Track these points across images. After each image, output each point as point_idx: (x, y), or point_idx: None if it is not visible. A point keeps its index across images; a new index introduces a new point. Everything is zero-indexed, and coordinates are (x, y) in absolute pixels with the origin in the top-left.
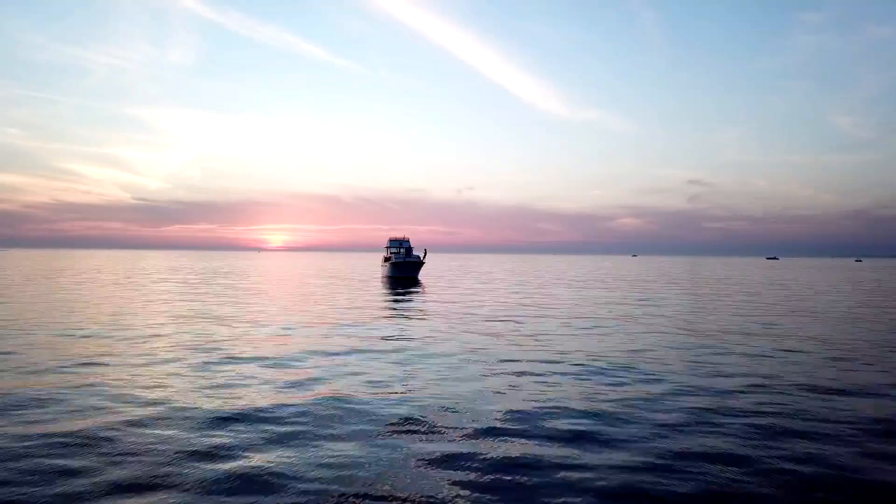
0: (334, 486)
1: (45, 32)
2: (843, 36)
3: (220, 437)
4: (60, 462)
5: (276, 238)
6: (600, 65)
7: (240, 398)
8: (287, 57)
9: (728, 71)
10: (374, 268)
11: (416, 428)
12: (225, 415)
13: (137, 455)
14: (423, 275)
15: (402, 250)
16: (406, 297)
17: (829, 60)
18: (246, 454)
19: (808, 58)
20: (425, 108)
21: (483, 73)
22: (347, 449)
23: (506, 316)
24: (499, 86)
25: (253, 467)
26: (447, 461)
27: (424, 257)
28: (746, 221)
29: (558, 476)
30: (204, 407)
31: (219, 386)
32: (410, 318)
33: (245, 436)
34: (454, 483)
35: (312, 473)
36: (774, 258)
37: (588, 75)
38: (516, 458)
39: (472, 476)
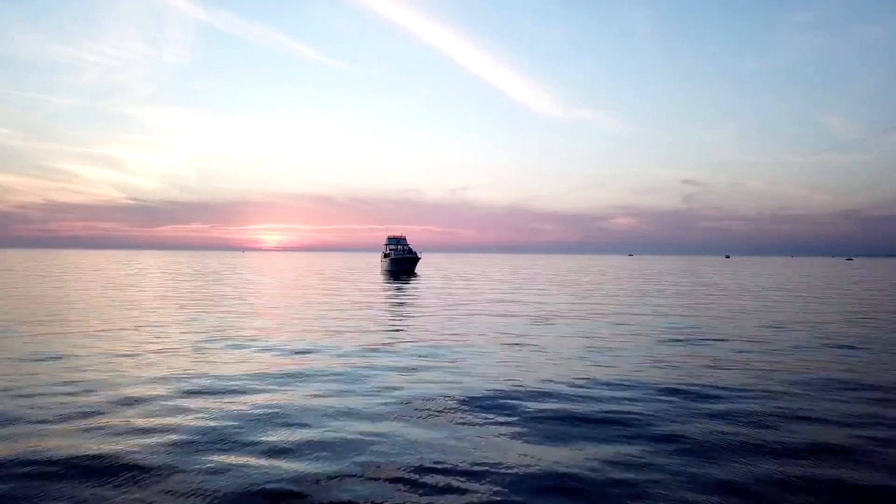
0: None
1: (39, 31)
2: (834, 35)
3: None
4: None
5: (271, 238)
6: (593, 65)
7: None
8: (281, 57)
9: (721, 70)
10: (374, 267)
11: None
12: None
13: None
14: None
15: (399, 247)
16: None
17: (821, 60)
18: None
19: (799, 58)
20: (418, 108)
21: (476, 73)
22: None
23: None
24: (492, 86)
25: None
26: None
27: None
28: (741, 221)
29: None
30: None
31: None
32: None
33: None
34: None
35: None
36: (727, 256)
37: (581, 75)
38: None
39: None
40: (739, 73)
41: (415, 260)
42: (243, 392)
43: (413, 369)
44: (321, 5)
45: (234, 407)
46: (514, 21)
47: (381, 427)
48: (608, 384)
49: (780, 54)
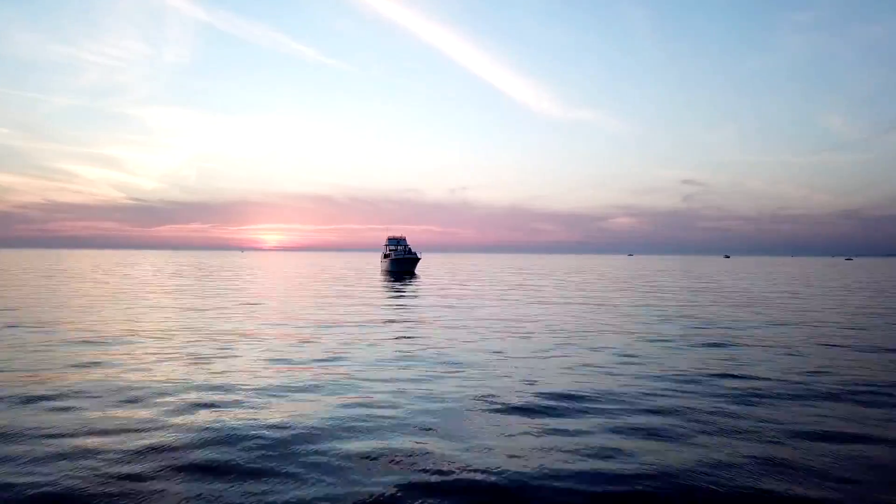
0: None
1: (38, 31)
2: (834, 35)
3: None
4: None
5: (271, 238)
6: (592, 65)
7: None
8: (281, 57)
9: (721, 70)
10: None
11: None
12: None
13: None
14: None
15: (399, 248)
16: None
17: (820, 60)
18: None
19: (799, 57)
20: (418, 108)
21: (476, 73)
22: None
23: None
24: (491, 86)
25: None
26: None
27: None
28: (741, 221)
29: None
30: None
31: None
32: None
33: None
34: None
35: None
36: (727, 256)
37: (581, 75)
38: None
39: None
40: (739, 73)
41: (415, 260)
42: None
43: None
44: (321, 5)
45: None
46: (514, 21)
47: None
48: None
49: (780, 54)
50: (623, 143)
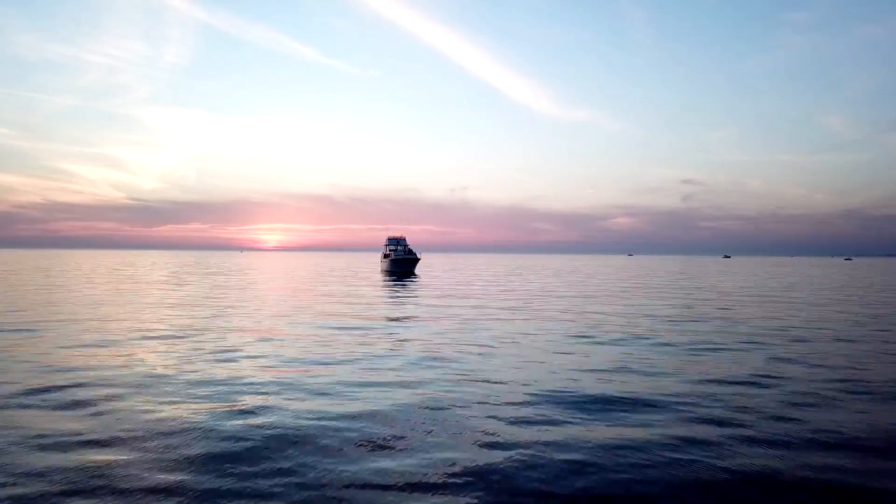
0: None
1: (38, 31)
2: (832, 35)
3: None
4: None
5: (271, 238)
6: (591, 65)
7: None
8: (281, 57)
9: (720, 70)
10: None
11: None
12: None
13: None
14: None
15: (399, 248)
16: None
17: (820, 60)
18: None
19: (798, 57)
20: (417, 108)
21: (475, 73)
22: None
23: None
24: (490, 86)
25: None
26: None
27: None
28: (741, 221)
29: None
30: None
31: None
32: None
33: None
34: None
35: None
36: (728, 256)
37: (579, 75)
38: None
39: None
40: (739, 73)
41: (414, 261)
42: None
43: None
44: (321, 5)
45: None
46: (514, 21)
47: None
48: None
49: (779, 54)
50: (623, 143)
